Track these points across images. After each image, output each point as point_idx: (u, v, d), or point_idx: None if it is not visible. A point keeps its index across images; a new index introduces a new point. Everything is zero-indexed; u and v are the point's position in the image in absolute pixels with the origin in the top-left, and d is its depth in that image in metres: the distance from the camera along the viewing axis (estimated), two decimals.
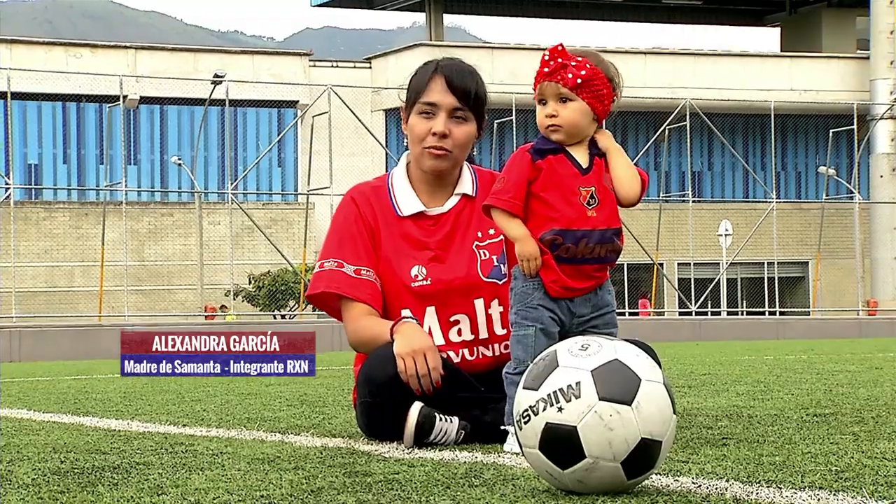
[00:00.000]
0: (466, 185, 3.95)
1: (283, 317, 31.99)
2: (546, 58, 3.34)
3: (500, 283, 3.85)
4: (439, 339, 3.85)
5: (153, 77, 34.16)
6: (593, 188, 3.37)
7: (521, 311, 3.41)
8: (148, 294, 34.60)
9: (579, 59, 3.35)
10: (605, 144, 3.43)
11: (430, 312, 3.85)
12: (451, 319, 3.85)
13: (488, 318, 3.86)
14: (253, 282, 33.08)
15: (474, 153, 4.06)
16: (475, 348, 3.86)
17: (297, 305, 31.53)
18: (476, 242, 3.88)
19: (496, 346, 3.85)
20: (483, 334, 3.85)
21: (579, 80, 3.33)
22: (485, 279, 3.85)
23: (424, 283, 3.84)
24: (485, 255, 3.87)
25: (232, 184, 28.92)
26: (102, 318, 27.29)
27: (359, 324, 3.84)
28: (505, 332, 3.82)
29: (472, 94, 3.82)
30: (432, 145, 3.82)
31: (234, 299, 29.36)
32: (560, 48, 3.36)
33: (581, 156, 3.39)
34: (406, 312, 3.85)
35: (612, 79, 3.42)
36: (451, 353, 3.84)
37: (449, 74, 3.83)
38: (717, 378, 7.38)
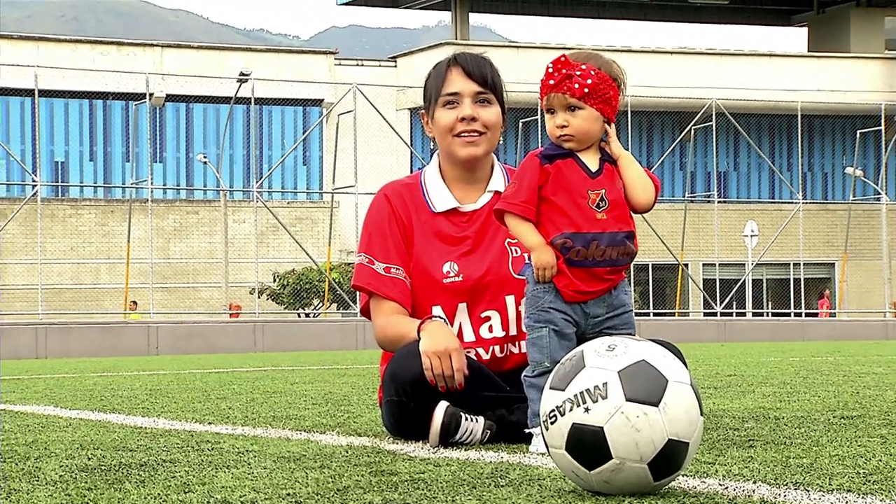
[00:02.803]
0: (498, 181, 3.96)
1: (307, 315, 32.05)
2: (550, 70, 3.35)
3: None
4: (470, 336, 3.85)
5: (179, 75, 34.28)
6: (603, 191, 3.37)
7: (534, 314, 3.42)
8: (173, 291, 34.73)
9: (583, 66, 3.35)
10: (616, 152, 3.42)
11: (462, 308, 3.86)
12: (483, 315, 3.86)
13: (518, 314, 3.87)
14: (277, 280, 33.15)
15: (500, 146, 4.07)
16: (505, 345, 3.87)
17: (321, 304, 31.59)
18: (508, 239, 3.89)
19: (523, 343, 3.85)
20: (513, 331, 3.86)
21: (586, 90, 3.34)
22: (516, 276, 3.86)
23: (456, 279, 3.85)
24: (516, 253, 3.88)
25: (257, 182, 29.00)
26: (128, 316, 27.41)
27: (387, 321, 3.86)
28: None
29: (490, 78, 3.88)
30: (463, 130, 3.84)
31: (259, 297, 29.43)
32: (563, 58, 3.37)
33: (591, 160, 3.40)
34: (436, 310, 3.86)
35: (617, 78, 3.43)
36: (481, 350, 3.85)
37: (465, 63, 3.89)
38: (742, 379, 7.36)
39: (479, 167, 3.93)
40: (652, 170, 33.38)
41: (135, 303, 30.20)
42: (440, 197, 3.93)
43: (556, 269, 3.37)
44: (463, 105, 3.86)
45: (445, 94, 3.87)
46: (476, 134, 3.86)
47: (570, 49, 3.47)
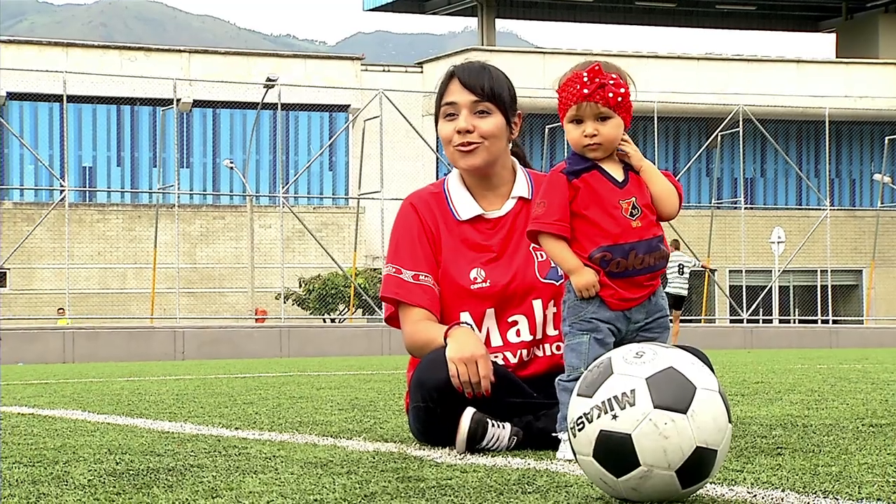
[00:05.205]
0: (522, 188, 3.97)
1: (332, 320, 32.11)
2: (585, 79, 3.35)
3: (558, 283, 3.87)
4: (497, 340, 3.86)
5: (206, 81, 34.43)
6: (633, 199, 3.38)
7: (576, 323, 3.42)
8: (199, 296, 34.85)
9: (614, 76, 3.37)
10: (637, 164, 3.43)
11: (489, 314, 3.87)
12: (510, 320, 3.87)
13: (545, 318, 3.87)
14: (303, 285, 33.23)
15: (525, 152, 4.09)
16: (531, 348, 3.87)
17: (346, 309, 31.64)
18: (533, 244, 3.89)
19: (547, 346, 3.87)
20: (540, 335, 3.87)
21: (619, 99, 3.36)
22: (542, 280, 3.87)
23: (483, 285, 3.87)
24: (542, 257, 3.89)
25: (283, 187, 29.09)
26: (154, 320, 27.54)
27: (415, 328, 3.87)
28: (557, 332, 3.83)
29: (486, 88, 3.89)
30: (459, 143, 3.87)
31: (285, 302, 29.50)
32: (597, 68, 3.37)
33: (615, 170, 3.41)
34: (464, 316, 3.87)
35: (629, 86, 3.44)
36: (509, 354, 3.86)
37: (461, 74, 3.92)
38: (769, 386, 7.33)
39: (491, 175, 3.94)
40: (678, 176, 33.30)
41: (62, 309, 30.08)
42: (464, 205, 3.94)
43: (599, 284, 3.37)
44: (460, 117, 3.89)
45: (444, 104, 3.92)
46: (471, 145, 3.88)
47: (596, 56, 3.47)
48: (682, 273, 23.61)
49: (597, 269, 3.38)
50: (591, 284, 3.37)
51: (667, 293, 23.78)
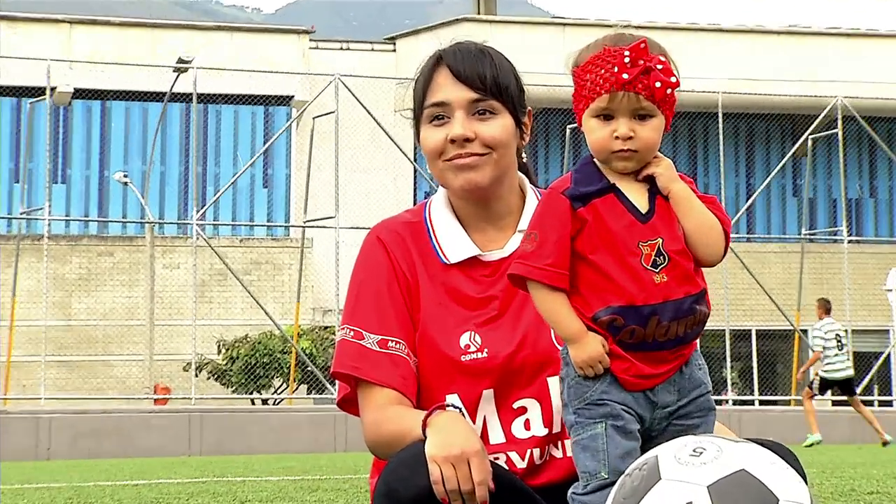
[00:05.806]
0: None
1: (264, 402, 32.04)
2: (626, 60, 3.28)
3: None
4: (499, 436, 3.85)
5: (93, 62, 34.51)
6: (660, 240, 3.29)
7: (582, 408, 3.35)
8: (75, 367, 34.77)
9: (662, 58, 3.30)
10: (664, 186, 3.34)
11: (487, 397, 3.85)
12: (516, 406, 3.85)
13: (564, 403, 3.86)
14: (224, 351, 33.16)
15: (537, 162, 4.09)
16: (546, 446, 3.85)
17: (285, 386, 31.59)
18: None
19: (568, 443, 3.84)
20: (557, 427, 3.83)
21: (668, 90, 3.29)
22: (561, 349, 3.85)
23: (479, 355, 3.85)
24: None
25: (198, 211, 29.11)
26: (9, 402, 27.44)
27: (381, 415, 3.83)
28: None
29: (488, 79, 3.86)
30: (454, 156, 3.84)
31: (197, 375, 29.44)
32: (643, 46, 3.30)
33: (637, 196, 3.34)
34: (452, 400, 3.85)
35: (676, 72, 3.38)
36: (515, 455, 3.84)
37: (452, 62, 3.88)
38: (890, 498, 7.34)
39: (493, 199, 3.91)
40: (753, 196, 33.27)
41: None
42: (454, 242, 3.92)
43: (608, 358, 3.30)
44: (454, 120, 3.86)
45: (431, 104, 3.89)
46: (471, 156, 3.85)
47: (636, 30, 3.42)
48: (842, 347, 23.64)
49: (604, 334, 3.31)
50: (595, 359, 3.30)
51: (828, 379, 23.50)
